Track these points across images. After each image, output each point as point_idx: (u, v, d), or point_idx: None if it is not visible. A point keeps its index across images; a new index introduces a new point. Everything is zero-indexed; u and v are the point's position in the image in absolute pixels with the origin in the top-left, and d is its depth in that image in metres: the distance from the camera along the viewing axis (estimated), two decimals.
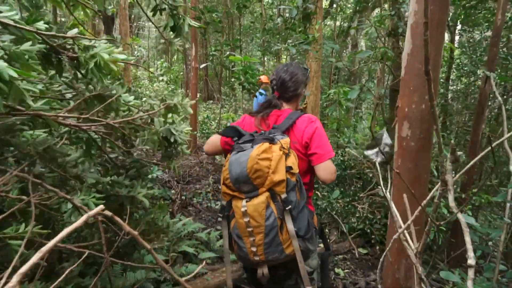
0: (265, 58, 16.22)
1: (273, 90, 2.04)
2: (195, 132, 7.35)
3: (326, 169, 1.81)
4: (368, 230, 4.88)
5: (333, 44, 4.21)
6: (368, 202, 5.24)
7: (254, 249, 1.66)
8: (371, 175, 6.92)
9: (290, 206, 1.63)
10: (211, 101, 13.50)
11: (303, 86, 2.02)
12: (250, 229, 1.64)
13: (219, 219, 1.78)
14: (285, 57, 16.50)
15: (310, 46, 4.13)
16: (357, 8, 14.26)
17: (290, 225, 1.64)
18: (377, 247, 4.82)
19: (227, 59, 6.34)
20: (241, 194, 1.66)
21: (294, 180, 1.67)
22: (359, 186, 6.46)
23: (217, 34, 13.48)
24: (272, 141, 1.69)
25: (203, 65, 6.66)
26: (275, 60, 16.00)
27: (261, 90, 7.88)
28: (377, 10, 15.84)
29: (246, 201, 1.64)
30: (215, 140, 2.05)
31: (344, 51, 14.64)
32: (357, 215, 5.09)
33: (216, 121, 9.80)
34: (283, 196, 1.63)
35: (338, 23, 13.98)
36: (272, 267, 1.76)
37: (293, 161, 1.68)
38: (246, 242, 1.67)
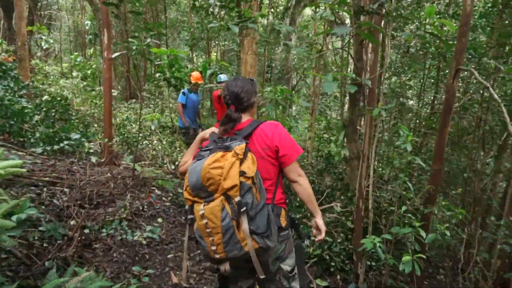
0: (194, 55, 14.86)
1: (228, 105, 2.10)
2: (107, 140, 5.81)
3: (293, 170, 1.98)
4: (327, 257, 3.95)
5: (285, 26, 3.17)
6: (323, 221, 4.31)
7: (214, 247, 1.79)
8: (317, 182, 6.07)
9: (245, 208, 1.75)
10: (134, 100, 11.79)
11: (254, 95, 2.11)
12: (208, 230, 1.78)
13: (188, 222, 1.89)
14: (215, 53, 15.29)
15: (256, 25, 3.05)
16: (288, 4, 13.61)
17: (245, 225, 1.75)
18: (338, 276, 3.91)
19: (148, 48, 4.97)
20: (200, 199, 1.82)
21: (250, 183, 1.79)
22: None
23: (138, 21, 11.84)
24: (227, 149, 1.83)
25: (116, 54, 5.16)
26: (204, 56, 14.71)
27: (189, 88, 6.64)
28: (308, 10, 15.38)
29: (204, 205, 1.79)
30: (188, 156, 2.16)
31: (277, 48, 13.88)
32: (312, 238, 4.13)
33: (139, 123, 8.27)
34: (237, 199, 1.75)
35: (270, 20, 13.15)
36: (244, 263, 1.88)
37: (248, 165, 1.81)
38: (207, 242, 1.81)
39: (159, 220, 4.68)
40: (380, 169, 4.23)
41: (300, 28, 14.07)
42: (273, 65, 13.76)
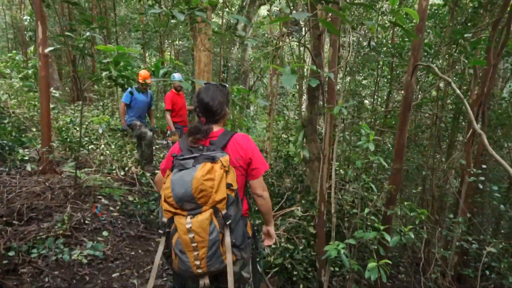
0: (147, 54, 14.14)
1: (199, 116, 2.03)
2: (44, 145, 5.18)
3: (259, 185, 1.99)
4: (289, 265, 3.68)
5: (238, 16, 2.86)
6: (284, 226, 4.04)
7: (197, 262, 1.72)
8: (276, 184, 5.81)
9: (230, 221, 1.74)
10: (81, 102, 10.90)
11: (227, 104, 2.05)
12: (194, 244, 1.70)
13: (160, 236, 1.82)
14: (168, 53, 14.67)
15: (205, 14, 2.70)
16: (243, 3, 13.34)
17: (227, 238, 1.75)
18: (301, 286, 3.65)
19: (87, 43, 4.43)
20: (183, 211, 1.73)
21: (233, 196, 1.77)
22: None
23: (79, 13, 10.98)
24: (213, 160, 1.76)
25: (50, 48, 4.57)
26: (158, 55, 14.04)
27: (137, 87, 6.11)
28: (263, 8, 15.20)
29: (191, 218, 1.70)
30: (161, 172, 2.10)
31: (233, 47, 13.55)
32: (273, 246, 3.85)
33: (84, 126, 7.59)
34: (224, 212, 1.73)
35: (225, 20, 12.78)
36: (213, 276, 1.85)
37: (232, 178, 1.79)
38: (190, 257, 1.72)
39: (105, 233, 4.18)
40: (341, 170, 4.03)
41: (256, 25, 13.83)
42: (229, 64, 13.41)
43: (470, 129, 4.72)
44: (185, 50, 14.66)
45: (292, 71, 2.06)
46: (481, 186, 4.42)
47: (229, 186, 1.74)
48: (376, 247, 3.39)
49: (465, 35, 4.05)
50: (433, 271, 4.13)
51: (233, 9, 13.30)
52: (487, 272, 3.87)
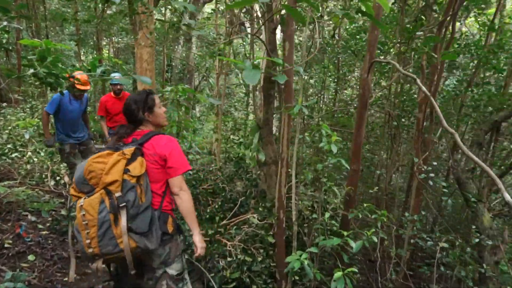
0: (82, 51, 12.96)
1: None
2: None
3: (176, 184, 2.07)
4: (247, 279, 3.32)
5: (185, 3, 2.45)
6: (240, 236, 3.67)
7: (88, 241, 1.79)
8: (227, 189, 5.42)
9: (124, 204, 1.80)
10: (5, 104, 9.67)
11: (142, 110, 2.12)
12: (85, 222, 1.80)
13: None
14: (106, 51, 13.60)
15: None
16: (188, 1, 12.75)
17: (123, 221, 1.79)
18: None
19: (6, 35, 3.71)
20: (82, 194, 1.87)
21: (134, 182, 1.86)
22: (216, 207, 4.85)
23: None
24: (116, 150, 1.94)
25: None
26: (94, 53, 12.91)
27: (68, 87, 5.25)
28: (208, 6, 14.70)
29: (84, 198, 1.84)
30: None
31: (176, 46, 12.89)
32: (228, 259, 3.46)
33: (7, 131, 6.61)
34: (117, 194, 1.81)
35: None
36: (122, 263, 1.94)
37: (135, 166, 1.89)
38: (83, 236, 1.80)
39: (30, 258, 3.51)
40: (300, 175, 3.78)
41: (202, 21, 13.29)
42: (173, 64, 12.73)
43: (419, 126, 4.72)
44: (125, 48, 13.68)
45: (253, 65, 1.71)
46: (431, 183, 4.43)
47: (126, 171, 1.84)
48: (339, 252, 3.16)
49: (416, 33, 4.02)
50: (391, 270, 4.03)
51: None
52: (443, 269, 3.84)
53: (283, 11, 3.40)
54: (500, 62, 5.16)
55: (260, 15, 3.66)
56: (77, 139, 4.64)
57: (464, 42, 5.86)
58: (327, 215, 3.35)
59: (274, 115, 3.64)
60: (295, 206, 3.04)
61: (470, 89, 5.63)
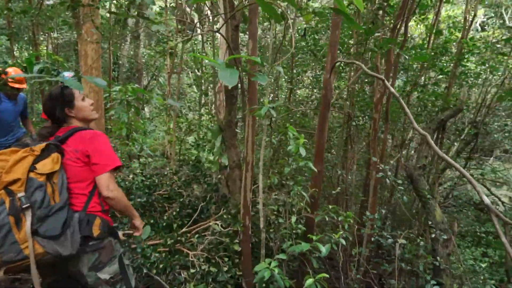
0: (16, 47, 11.76)
1: None
2: None
3: (103, 184, 1.85)
4: None
5: None
6: (202, 245, 3.44)
7: None
8: (185, 194, 5.14)
9: (28, 205, 1.62)
10: None
11: (60, 106, 1.97)
12: None
13: None
14: (44, 47, 12.49)
15: None
16: None
17: (27, 224, 1.61)
18: None
19: None
20: None
21: (43, 181, 1.68)
22: (174, 214, 4.56)
23: None
24: (25, 146, 1.76)
25: None
26: (31, 49, 11.77)
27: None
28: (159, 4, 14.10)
29: None
30: None
31: (123, 44, 12.18)
32: (191, 270, 3.22)
33: None
34: (20, 194, 1.63)
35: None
36: (42, 270, 1.74)
37: (45, 163, 1.72)
38: None
39: None
40: (265, 179, 3.64)
41: (154, 15, 12.68)
42: (120, 62, 12.01)
43: (375, 126, 4.81)
44: (66, 44, 12.67)
45: (227, 65, 1.53)
46: (388, 181, 4.52)
47: (33, 169, 1.68)
48: (307, 258, 3.07)
49: (373, 35, 4.07)
50: (354, 270, 4.04)
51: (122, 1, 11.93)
52: (404, 265, 3.93)
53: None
54: (443, 64, 5.44)
55: (220, 12, 3.47)
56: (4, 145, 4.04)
57: (411, 45, 6.11)
58: (293, 219, 3.25)
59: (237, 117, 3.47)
60: (262, 212, 2.89)
61: (415, 89, 5.88)
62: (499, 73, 6.06)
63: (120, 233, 4.39)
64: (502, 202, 9.61)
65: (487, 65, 5.97)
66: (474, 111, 6.87)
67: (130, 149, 7.52)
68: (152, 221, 4.51)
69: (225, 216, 3.27)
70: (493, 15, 9.08)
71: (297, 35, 5.72)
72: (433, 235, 4.23)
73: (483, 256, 8.72)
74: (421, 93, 5.41)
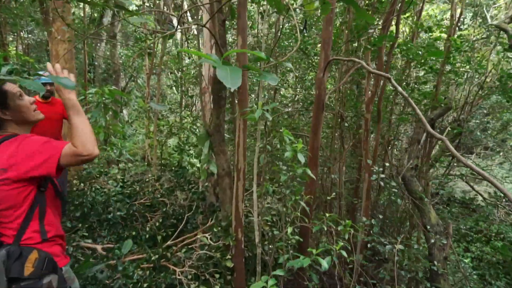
0: None
1: None
2: None
3: (69, 157, 1.47)
4: None
5: None
6: (191, 261, 3.11)
7: None
8: (168, 203, 4.79)
9: None
10: None
11: None
12: None
13: None
14: (13, 48, 11.77)
15: None
16: None
17: None
18: None
19: None
20: None
21: None
22: (157, 225, 4.21)
23: None
24: None
25: None
26: None
27: None
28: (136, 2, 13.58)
29: None
30: None
31: (98, 44, 11.62)
32: None
33: None
34: None
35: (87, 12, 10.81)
36: None
37: None
38: None
39: None
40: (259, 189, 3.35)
41: (127, 14, 12.16)
42: (96, 63, 11.45)
43: (366, 127, 4.61)
44: (38, 44, 11.99)
45: (224, 62, 1.24)
46: (382, 184, 4.33)
47: None
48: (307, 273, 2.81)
49: (364, 32, 3.87)
50: (352, 277, 3.82)
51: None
52: (404, 273, 3.73)
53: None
54: (433, 63, 5.31)
55: (204, 5, 3.16)
56: None
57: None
58: (289, 230, 2.98)
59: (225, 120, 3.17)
60: (257, 226, 2.61)
61: (404, 87, 5.73)
62: (483, 71, 5.99)
63: (98, 247, 3.89)
64: (484, 198, 9.72)
65: (472, 63, 5.89)
66: (457, 109, 6.83)
67: (108, 154, 7.08)
68: (133, 233, 4.15)
69: (215, 229, 2.96)
70: (471, 14, 9.12)
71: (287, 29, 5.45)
72: (432, 240, 4.05)
73: (465, 252, 8.75)
74: (410, 92, 5.26)
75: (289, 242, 3.13)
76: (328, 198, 3.66)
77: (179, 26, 2.22)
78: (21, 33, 10.91)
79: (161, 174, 6.66)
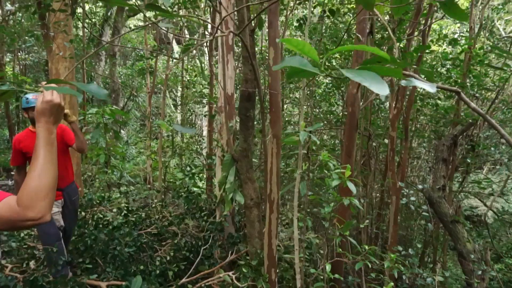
0: None
1: None
2: None
3: (9, 208, 1.00)
4: None
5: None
6: None
7: None
8: (179, 232, 4.32)
9: None
10: None
11: None
12: None
13: None
14: (10, 69, 11.39)
15: None
16: (108, 13, 11.31)
17: None
18: None
19: None
20: None
21: None
22: (168, 258, 3.74)
23: None
24: None
25: None
26: None
27: None
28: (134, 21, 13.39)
29: None
30: None
31: (97, 64, 11.29)
32: None
33: None
34: None
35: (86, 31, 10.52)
36: None
37: None
38: None
39: None
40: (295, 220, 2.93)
41: (126, 36, 11.92)
42: (95, 82, 11.09)
43: (392, 145, 4.24)
44: (35, 64, 11.65)
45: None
46: (412, 207, 3.94)
47: None
48: None
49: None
50: None
51: (97, 19, 11.12)
52: None
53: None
54: (457, 76, 5.02)
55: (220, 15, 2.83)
56: None
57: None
58: (328, 267, 2.56)
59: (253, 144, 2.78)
60: (299, 269, 2.18)
61: (425, 103, 5.42)
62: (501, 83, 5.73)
63: (103, 284, 3.36)
64: (495, 213, 9.35)
65: (491, 76, 5.61)
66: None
67: (109, 177, 6.63)
68: (141, 267, 3.68)
69: (244, 270, 2.52)
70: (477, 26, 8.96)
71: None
72: (470, 267, 3.64)
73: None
74: (435, 106, 4.93)
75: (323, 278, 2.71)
76: (361, 225, 3.25)
77: (204, 38, 1.84)
78: (19, 53, 10.57)
79: (163, 196, 6.20)
